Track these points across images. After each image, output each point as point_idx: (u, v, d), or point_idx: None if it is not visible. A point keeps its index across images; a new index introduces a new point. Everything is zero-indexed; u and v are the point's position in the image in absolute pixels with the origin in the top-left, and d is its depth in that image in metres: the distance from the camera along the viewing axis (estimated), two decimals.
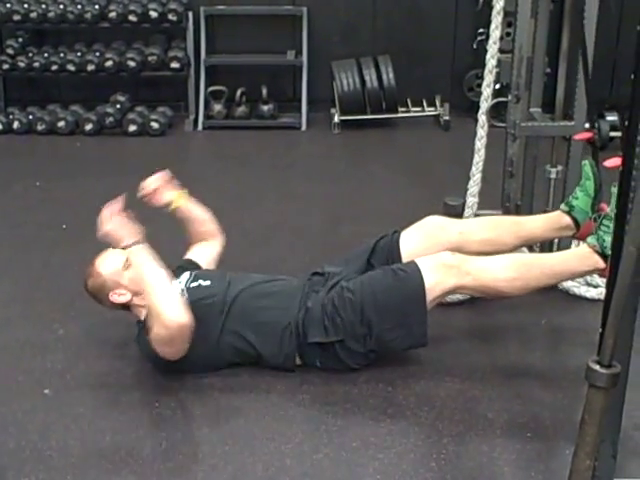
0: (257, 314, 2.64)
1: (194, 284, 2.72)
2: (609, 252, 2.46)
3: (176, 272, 2.79)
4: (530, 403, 2.51)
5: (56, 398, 2.57)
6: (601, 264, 2.56)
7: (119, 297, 2.71)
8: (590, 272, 2.70)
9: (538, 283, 2.64)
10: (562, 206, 2.91)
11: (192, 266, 2.92)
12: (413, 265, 2.61)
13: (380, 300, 2.57)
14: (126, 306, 2.74)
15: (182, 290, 2.67)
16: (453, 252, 2.65)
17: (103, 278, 2.71)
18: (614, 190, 2.48)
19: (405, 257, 2.78)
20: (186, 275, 2.79)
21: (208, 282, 2.74)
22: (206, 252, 3.03)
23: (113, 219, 2.57)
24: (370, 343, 2.59)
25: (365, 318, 2.56)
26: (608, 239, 2.49)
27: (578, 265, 2.62)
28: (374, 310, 2.56)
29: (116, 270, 2.70)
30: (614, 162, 2.28)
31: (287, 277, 2.85)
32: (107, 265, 2.73)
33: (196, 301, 2.59)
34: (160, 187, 2.93)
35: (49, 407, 2.52)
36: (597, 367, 1.68)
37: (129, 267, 2.67)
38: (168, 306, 2.43)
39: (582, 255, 2.61)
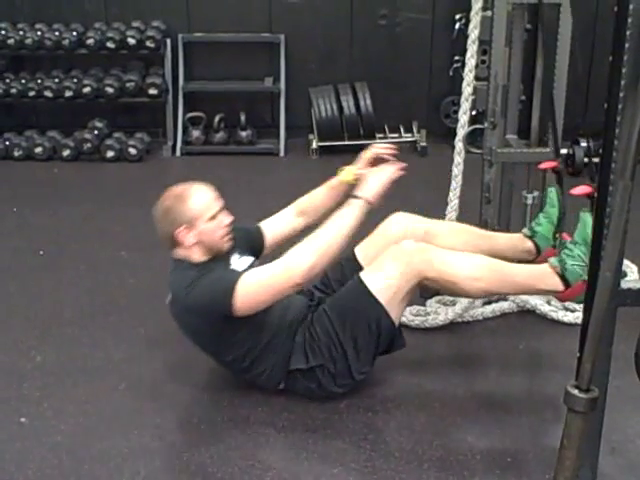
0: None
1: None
2: (569, 276, 2.51)
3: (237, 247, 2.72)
4: (509, 427, 2.51)
5: (33, 427, 2.54)
6: (560, 287, 2.54)
7: (185, 237, 2.52)
8: (549, 292, 2.67)
9: (499, 289, 2.64)
10: (525, 230, 2.94)
11: (254, 243, 2.84)
12: (356, 277, 2.61)
13: (339, 312, 2.57)
14: (176, 244, 2.56)
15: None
16: (417, 241, 2.64)
17: (186, 209, 2.52)
18: (582, 215, 2.52)
19: (366, 263, 2.75)
20: (245, 261, 2.72)
21: None
22: (283, 225, 2.94)
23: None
24: (352, 361, 2.56)
25: (335, 335, 2.55)
26: (570, 262, 2.51)
27: (538, 282, 2.57)
28: (338, 322, 2.56)
29: (205, 212, 2.55)
30: (581, 190, 2.31)
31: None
32: (200, 201, 2.56)
33: None
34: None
35: (26, 436, 2.49)
36: (575, 391, 1.70)
37: (215, 218, 2.57)
38: (318, 260, 2.45)
39: (543, 274, 2.58)
